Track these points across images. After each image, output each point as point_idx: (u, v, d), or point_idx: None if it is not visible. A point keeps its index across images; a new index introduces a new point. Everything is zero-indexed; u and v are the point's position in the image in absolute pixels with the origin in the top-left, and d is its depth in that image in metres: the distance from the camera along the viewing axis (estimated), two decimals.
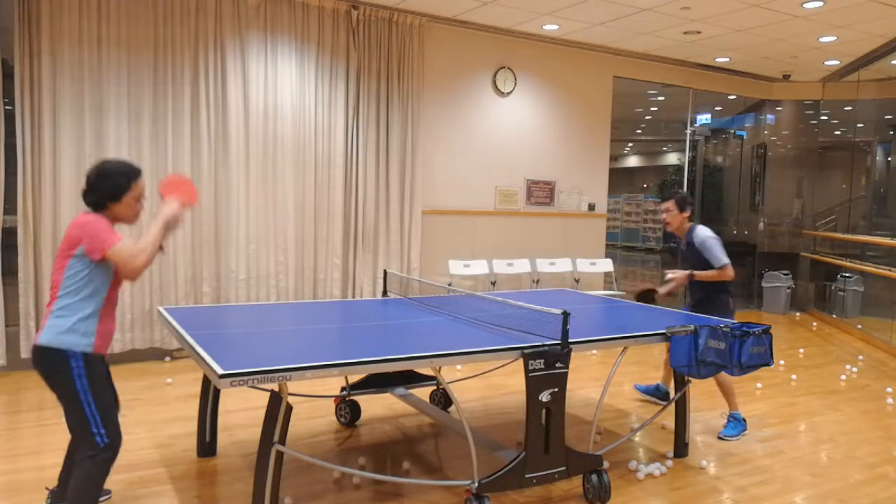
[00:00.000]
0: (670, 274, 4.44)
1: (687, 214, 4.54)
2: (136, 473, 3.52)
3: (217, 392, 3.81)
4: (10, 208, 5.32)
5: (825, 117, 9.93)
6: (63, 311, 2.66)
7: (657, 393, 5.12)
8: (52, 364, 2.63)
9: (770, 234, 10.17)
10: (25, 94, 5.23)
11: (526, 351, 3.05)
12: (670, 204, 4.53)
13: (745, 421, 4.50)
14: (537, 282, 7.73)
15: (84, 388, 2.63)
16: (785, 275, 9.60)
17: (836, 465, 3.96)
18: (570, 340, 3.14)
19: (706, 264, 4.40)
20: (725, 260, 4.38)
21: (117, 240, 2.63)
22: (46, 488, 3.11)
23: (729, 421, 4.46)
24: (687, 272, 4.41)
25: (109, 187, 2.73)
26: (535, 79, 7.69)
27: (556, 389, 3.14)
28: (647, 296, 4.64)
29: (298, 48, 6.26)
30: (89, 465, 2.63)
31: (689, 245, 4.52)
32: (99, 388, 2.68)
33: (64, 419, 2.71)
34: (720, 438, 4.34)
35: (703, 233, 4.45)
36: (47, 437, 4.02)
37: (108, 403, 2.72)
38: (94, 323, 2.70)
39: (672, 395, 4.98)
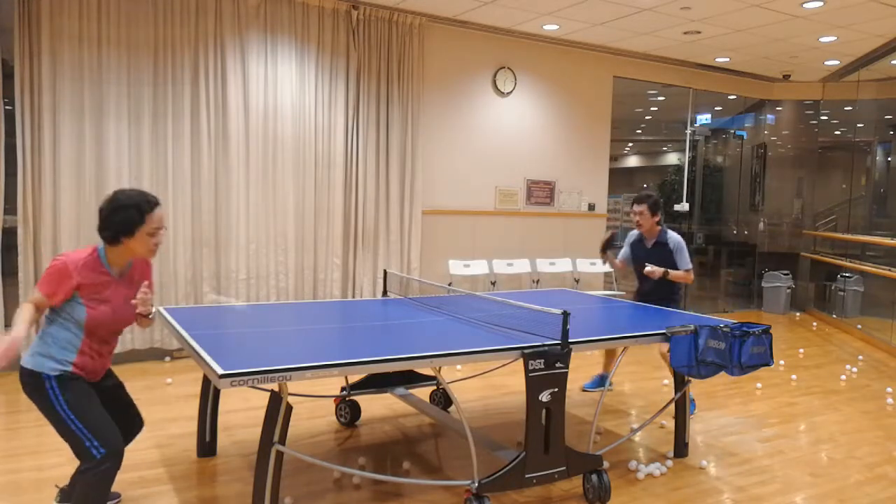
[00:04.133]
0: (649, 267, 4.69)
1: (657, 218, 4.81)
2: (136, 473, 3.52)
3: (217, 392, 3.81)
4: (10, 208, 5.32)
5: (825, 117, 9.93)
6: (43, 334, 2.66)
7: (602, 383, 5.34)
8: (29, 384, 2.63)
9: (770, 234, 10.17)
10: (25, 94, 5.23)
11: (526, 351, 3.05)
12: (644, 208, 4.76)
13: (693, 401, 4.72)
14: (537, 282, 7.73)
15: (63, 407, 2.59)
16: (785, 275, 9.60)
17: (836, 465, 3.96)
18: (570, 340, 3.13)
19: (671, 265, 4.72)
20: (690, 265, 4.77)
21: (38, 294, 2.57)
22: (56, 486, 3.12)
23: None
24: (663, 269, 4.68)
25: (122, 222, 2.65)
26: (535, 79, 7.69)
27: (556, 389, 3.14)
28: (610, 243, 5.04)
29: (298, 48, 6.26)
30: (90, 477, 2.59)
31: (658, 245, 4.80)
32: (80, 403, 2.62)
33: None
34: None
35: (677, 237, 4.79)
36: (47, 437, 4.02)
37: (94, 413, 2.64)
38: (72, 355, 2.65)
39: (611, 381, 5.36)
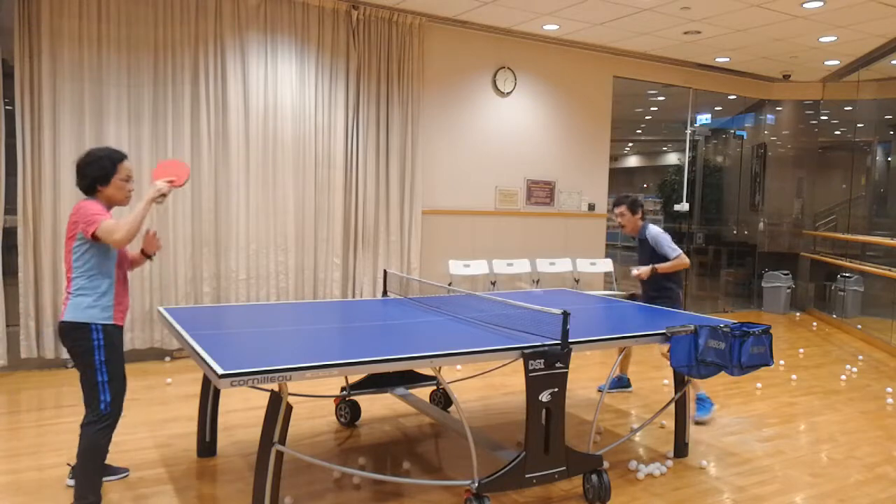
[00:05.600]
0: (635, 271, 4.77)
1: (639, 216, 4.87)
2: (136, 473, 3.52)
3: (217, 392, 3.81)
4: (11, 208, 5.32)
5: (825, 117, 9.93)
6: (81, 290, 2.98)
7: (619, 384, 5.33)
8: (75, 337, 2.97)
9: (770, 234, 10.16)
10: (25, 94, 5.23)
11: (526, 351, 3.05)
12: (623, 209, 4.86)
13: (709, 399, 4.71)
14: (537, 282, 7.73)
15: (101, 359, 2.97)
16: (785, 275, 9.60)
17: (836, 465, 3.96)
18: (570, 340, 3.13)
19: (661, 258, 4.73)
20: (677, 251, 4.71)
21: (102, 218, 2.91)
22: (68, 464, 3.46)
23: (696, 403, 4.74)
24: (650, 266, 4.71)
25: (97, 170, 3.00)
26: (535, 79, 7.69)
27: (556, 389, 3.14)
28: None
29: (298, 48, 6.26)
30: (92, 432, 2.97)
31: (641, 242, 4.85)
32: (114, 362, 3.02)
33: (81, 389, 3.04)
34: (696, 423, 4.57)
35: (654, 230, 4.81)
36: (47, 437, 4.02)
37: (119, 378, 3.05)
38: (111, 297, 3.04)
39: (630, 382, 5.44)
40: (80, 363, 3.00)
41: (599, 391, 5.28)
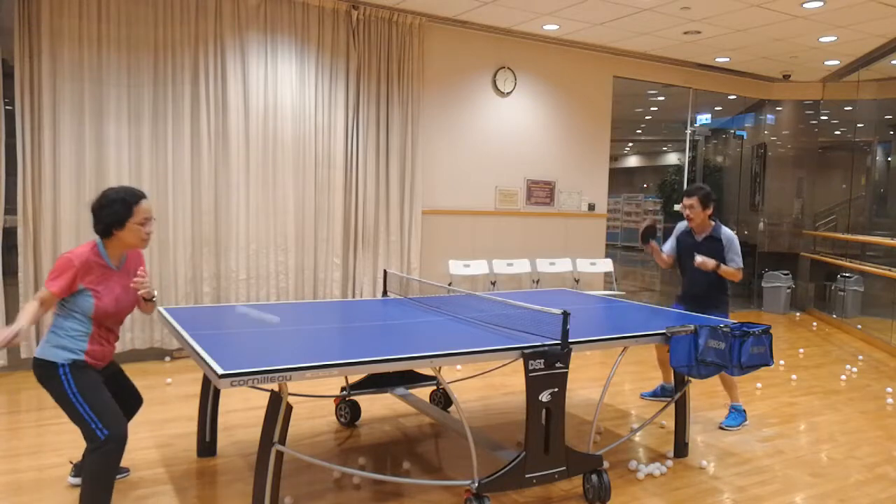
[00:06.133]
0: (699, 258, 4.42)
1: (710, 211, 4.53)
2: (136, 473, 3.52)
3: (217, 392, 3.81)
4: (11, 208, 5.32)
5: (825, 117, 9.93)
6: (56, 328, 2.87)
7: (664, 393, 5.13)
8: (43, 374, 2.83)
9: (770, 234, 10.17)
10: (25, 94, 5.23)
11: (526, 351, 3.05)
12: (694, 201, 4.48)
13: (745, 412, 4.66)
14: (537, 282, 7.73)
15: (73, 391, 2.79)
16: (785, 275, 9.60)
17: (836, 465, 3.96)
18: (570, 340, 3.13)
19: (724, 261, 4.46)
20: (742, 264, 4.49)
21: (49, 287, 2.76)
22: (70, 461, 3.44)
23: (730, 412, 4.63)
24: (715, 262, 4.40)
25: (110, 216, 2.87)
26: (535, 79, 7.69)
27: (556, 389, 3.14)
28: (650, 231, 4.66)
29: (298, 48, 6.26)
30: (96, 457, 2.76)
31: (709, 240, 4.53)
32: (89, 389, 2.82)
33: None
34: (721, 428, 4.50)
35: (730, 232, 4.53)
36: (47, 437, 4.02)
37: (100, 398, 2.83)
38: (84, 344, 2.87)
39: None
40: (56, 401, 2.82)
41: (642, 398, 5.19)
